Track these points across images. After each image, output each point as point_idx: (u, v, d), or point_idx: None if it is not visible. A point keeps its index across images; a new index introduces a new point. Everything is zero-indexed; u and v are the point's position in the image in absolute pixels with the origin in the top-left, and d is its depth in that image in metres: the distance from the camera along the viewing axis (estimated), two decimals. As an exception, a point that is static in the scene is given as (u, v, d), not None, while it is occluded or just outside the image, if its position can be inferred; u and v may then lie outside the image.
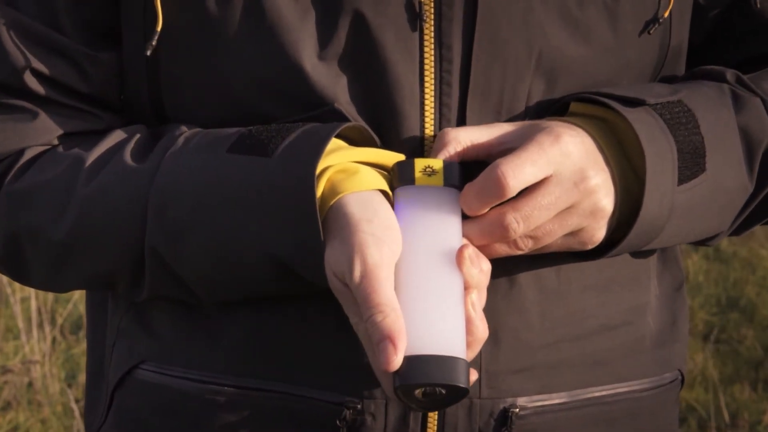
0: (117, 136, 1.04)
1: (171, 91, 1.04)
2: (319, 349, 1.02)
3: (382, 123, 1.00)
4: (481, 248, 0.97)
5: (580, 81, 1.03)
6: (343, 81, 1.00)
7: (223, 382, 1.04)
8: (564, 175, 0.96)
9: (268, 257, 0.97)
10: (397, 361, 0.88)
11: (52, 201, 1.03)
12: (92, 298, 1.17)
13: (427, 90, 1.00)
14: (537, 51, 1.01)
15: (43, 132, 1.05)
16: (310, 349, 1.02)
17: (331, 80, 0.99)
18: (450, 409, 1.02)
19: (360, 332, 0.92)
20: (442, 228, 0.96)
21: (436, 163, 0.98)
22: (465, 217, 0.97)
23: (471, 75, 1.00)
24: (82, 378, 3.63)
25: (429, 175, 0.97)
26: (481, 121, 1.01)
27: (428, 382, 0.89)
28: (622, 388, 1.08)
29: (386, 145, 1.00)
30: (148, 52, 1.01)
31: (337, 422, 1.01)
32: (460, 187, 0.97)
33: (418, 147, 1.01)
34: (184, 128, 1.03)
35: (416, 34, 1.00)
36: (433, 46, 1.00)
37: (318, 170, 0.94)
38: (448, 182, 0.97)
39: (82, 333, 3.95)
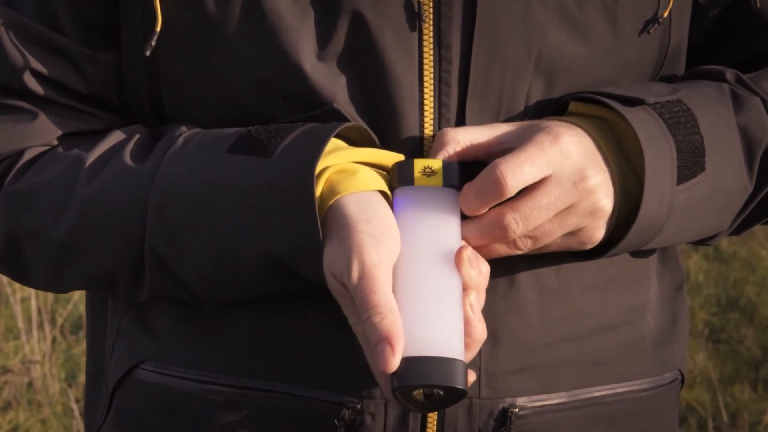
0: (117, 136, 1.04)
1: (171, 91, 1.04)
2: (318, 349, 1.02)
3: (381, 123, 1.00)
4: (481, 248, 0.97)
5: (579, 81, 1.03)
6: (342, 81, 1.00)
7: (223, 382, 1.04)
8: (563, 175, 0.96)
9: (267, 257, 0.97)
10: (394, 363, 0.88)
11: (52, 201, 1.03)
12: (92, 298, 1.17)
13: (426, 90, 1.00)
14: (536, 51, 1.01)
15: (43, 132, 1.05)
16: (310, 349, 1.02)
17: (330, 80, 0.99)
18: (449, 409, 1.02)
19: (358, 333, 0.92)
20: (441, 228, 0.96)
21: (436, 163, 0.98)
22: (465, 218, 0.97)
23: (470, 75, 1.00)
24: (82, 378, 3.62)
25: (428, 176, 0.97)
26: (480, 121, 1.01)
27: (426, 383, 0.89)
28: (622, 388, 1.08)
29: (385, 145, 1.00)
30: (148, 53, 1.01)
31: (335, 422, 1.01)
32: (459, 188, 0.97)
33: (418, 147, 1.01)
34: (183, 128, 1.03)
35: (415, 34, 1.00)
36: (432, 46, 1.00)
37: (317, 170, 0.94)
38: (447, 182, 0.97)
39: (82, 333, 3.95)
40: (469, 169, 0.98)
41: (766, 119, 1.08)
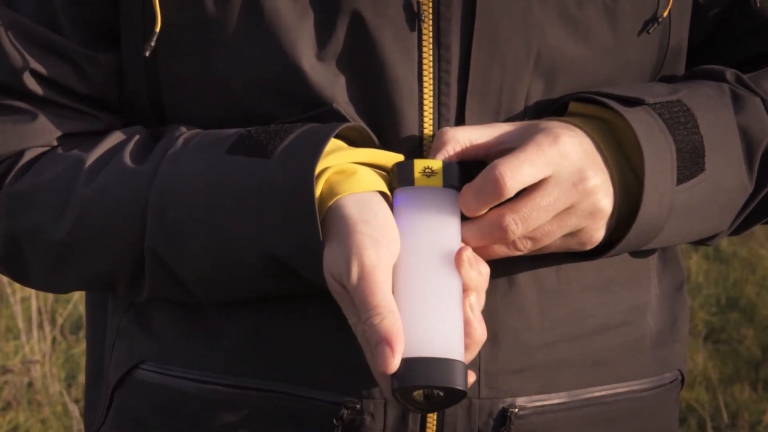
0: (116, 137, 1.04)
1: (170, 91, 1.04)
2: (318, 349, 1.02)
3: (381, 123, 1.00)
4: (480, 249, 0.96)
5: (579, 81, 1.03)
6: (342, 81, 1.00)
7: (223, 382, 1.04)
8: (563, 175, 0.96)
9: (267, 257, 0.97)
10: (394, 364, 0.88)
11: (52, 201, 1.03)
12: (92, 298, 1.17)
13: (425, 90, 1.00)
14: (536, 51, 1.01)
15: (43, 133, 1.05)
16: (310, 349, 1.02)
17: (329, 80, 0.99)
18: (449, 410, 1.02)
19: (358, 333, 0.92)
20: (441, 229, 0.96)
21: (435, 163, 0.98)
22: (465, 218, 0.97)
23: (470, 75, 1.00)
24: (82, 378, 3.63)
25: (428, 176, 0.97)
26: (480, 121, 1.01)
27: (426, 384, 0.89)
28: (621, 388, 1.08)
29: (385, 145, 1.00)
30: (147, 53, 1.01)
31: (334, 421, 1.01)
32: (459, 188, 0.97)
33: (417, 147, 1.00)
34: (183, 129, 1.03)
35: (415, 34, 1.00)
36: (431, 46, 1.00)
37: (317, 171, 0.94)
38: (447, 183, 0.97)
39: (82, 333, 3.95)
40: (469, 169, 0.98)
41: (766, 119, 1.08)
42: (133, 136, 1.04)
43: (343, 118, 0.99)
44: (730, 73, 1.10)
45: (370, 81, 1.00)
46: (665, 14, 1.06)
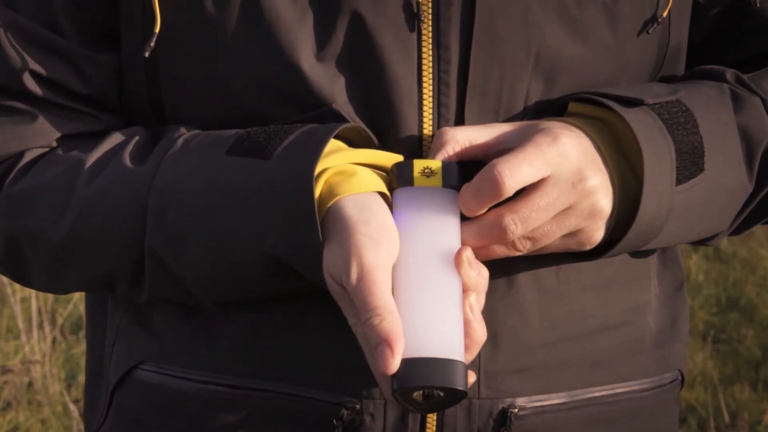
0: (116, 138, 1.04)
1: (170, 92, 1.04)
2: (318, 349, 1.02)
3: (380, 123, 1.00)
4: (480, 249, 0.96)
5: (578, 81, 1.03)
6: (341, 81, 1.00)
7: (223, 382, 1.04)
8: (562, 176, 0.96)
9: (267, 257, 0.97)
10: (394, 365, 0.88)
11: (52, 202, 1.03)
12: (92, 299, 1.17)
13: (425, 90, 1.00)
14: (535, 51, 1.01)
15: (42, 134, 1.05)
16: (310, 349, 1.02)
17: (329, 81, 0.99)
18: (449, 410, 1.02)
19: (358, 334, 0.92)
20: (441, 230, 0.96)
21: (435, 164, 0.98)
22: (464, 219, 0.97)
23: (469, 75, 1.00)
24: (82, 378, 3.63)
25: (427, 176, 0.97)
26: (479, 121, 1.01)
27: (426, 384, 0.89)
28: (621, 388, 1.08)
29: (384, 146, 1.00)
30: (147, 54, 1.01)
31: (334, 421, 1.01)
32: (458, 188, 0.97)
33: (417, 147, 1.00)
34: (183, 130, 1.03)
35: (414, 35, 1.00)
36: (431, 47, 1.00)
37: (316, 171, 0.94)
38: (446, 183, 0.97)
39: (82, 333, 3.95)
40: (468, 169, 0.98)
41: (766, 119, 1.08)
42: (133, 137, 1.04)
43: (342, 119, 0.99)
44: (730, 73, 1.10)
45: (370, 81, 1.00)
46: (665, 14, 1.06)
